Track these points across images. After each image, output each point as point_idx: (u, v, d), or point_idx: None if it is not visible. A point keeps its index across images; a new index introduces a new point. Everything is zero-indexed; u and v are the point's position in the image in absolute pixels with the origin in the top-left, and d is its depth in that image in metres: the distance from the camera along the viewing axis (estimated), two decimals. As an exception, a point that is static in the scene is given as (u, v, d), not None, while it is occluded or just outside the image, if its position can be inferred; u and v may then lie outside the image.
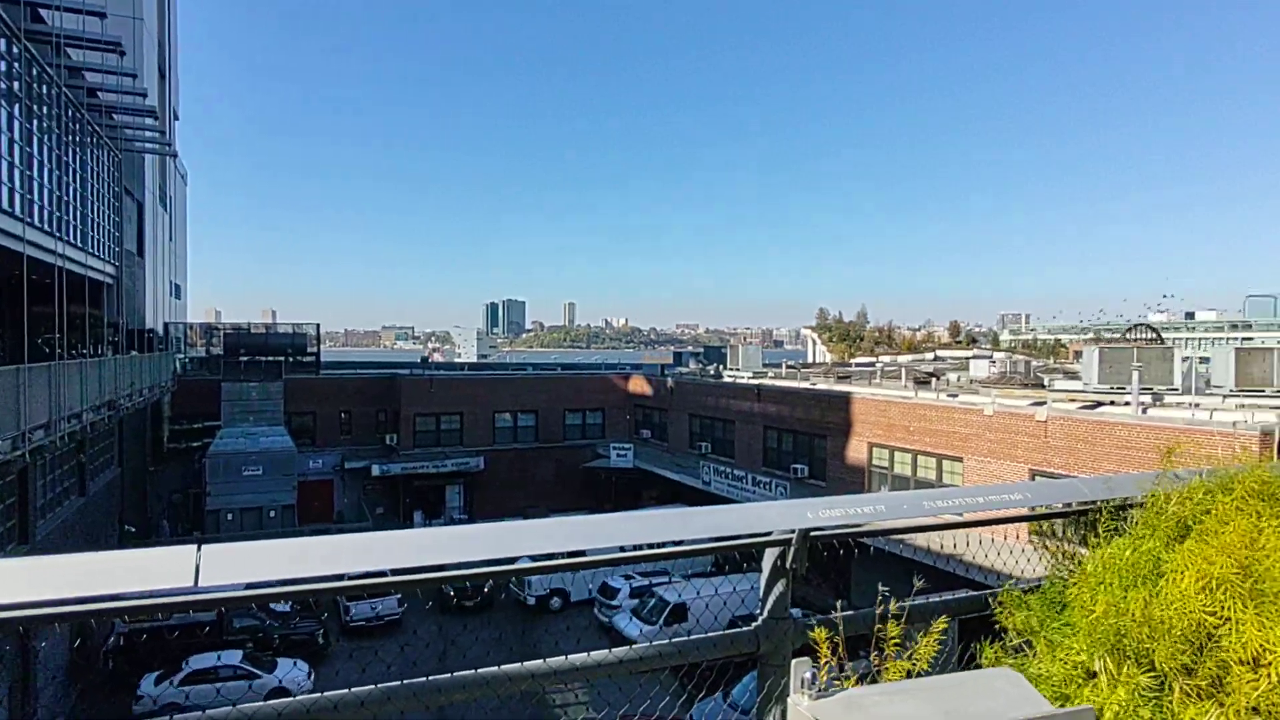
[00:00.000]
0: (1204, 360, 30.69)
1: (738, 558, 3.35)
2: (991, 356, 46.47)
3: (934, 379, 35.06)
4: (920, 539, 20.54)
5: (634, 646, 2.77)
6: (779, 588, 3.23)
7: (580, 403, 43.27)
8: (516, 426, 41.83)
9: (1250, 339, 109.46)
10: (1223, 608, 3.01)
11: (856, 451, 27.34)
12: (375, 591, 2.92)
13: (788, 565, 3.22)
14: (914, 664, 2.77)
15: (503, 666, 2.53)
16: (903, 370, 39.22)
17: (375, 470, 37.58)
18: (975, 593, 3.59)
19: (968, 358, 47.09)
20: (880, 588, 3.24)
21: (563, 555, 2.92)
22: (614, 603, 26.85)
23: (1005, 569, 4.20)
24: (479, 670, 2.54)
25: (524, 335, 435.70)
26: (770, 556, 3.22)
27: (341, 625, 26.89)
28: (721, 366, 44.64)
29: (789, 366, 44.66)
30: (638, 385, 43.23)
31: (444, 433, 40.30)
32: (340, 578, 2.31)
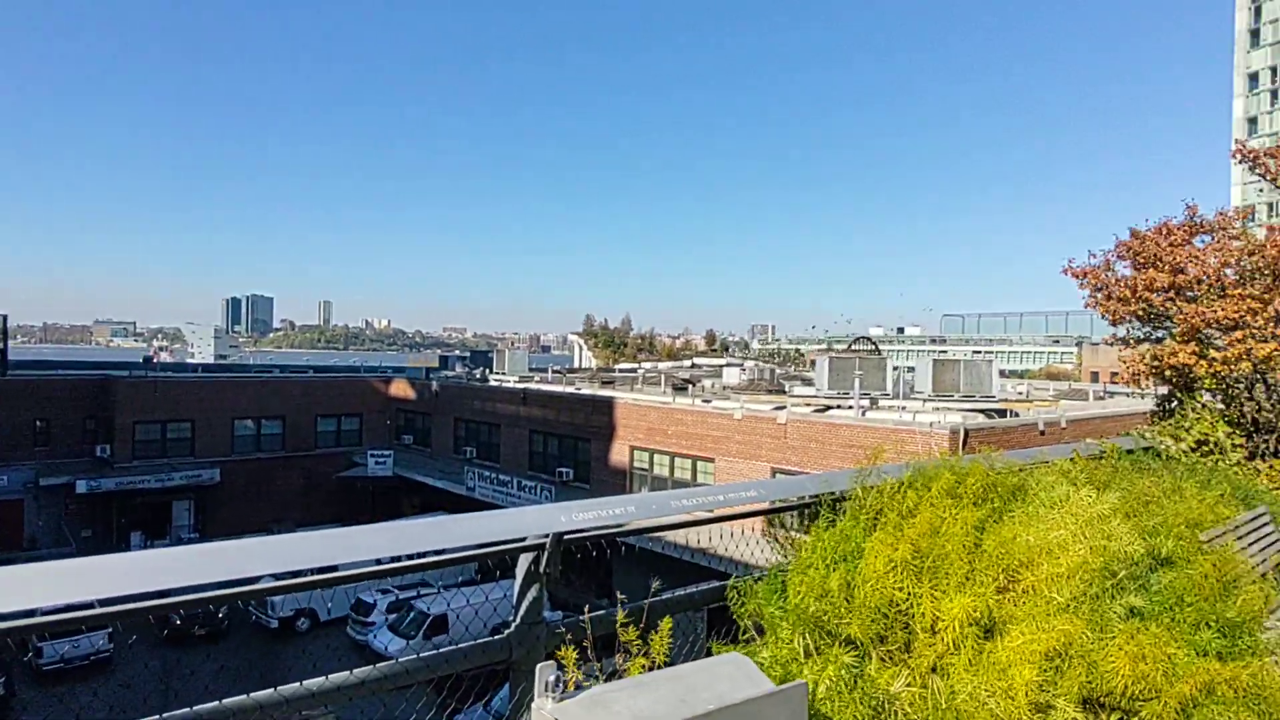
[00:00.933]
0: (910, 369, 35.25)
1: (507, 562, 3.33)
2: (742, 364, 50.35)
3: (691, 385, 37.25)
4: (676, 536, 21.68)
5: (378, 665, 2.66)
6: (533, 592, 3.26)
7: (335, 408, 40.56)
8: (260, 434, 38.26)
9: (945, 352, 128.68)
10: (910, 585, 3.51)
11: (619, 454, 28.31)
12: (69, 629, 2.51)
13: (542, 569, 3.26)
14: (651, 660, 2.92)
15: (224, 701, 2.30)
16: (663, 376, 41.24)
17: (81, 487, 32.46)
18: (715, 584, 3.85)
19: (721, 365, 50.60)
20: (619, 594, 3.40)
21: (311, 572, 2.73)
22: (369, 619, 25.46)
23: (751, 560, 4.55)
24: (196, 708, 2.29)
25: (271, 335, 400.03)
26: (524, 562, 3.24)
27: (32, 669, 22.66)
28: (488, 371, 44.08)
29: (555, 371, 45.25)
30: (400, 389, 41.44)
31: (171, 442, 35.86)
32: (31, 613, 1.98)
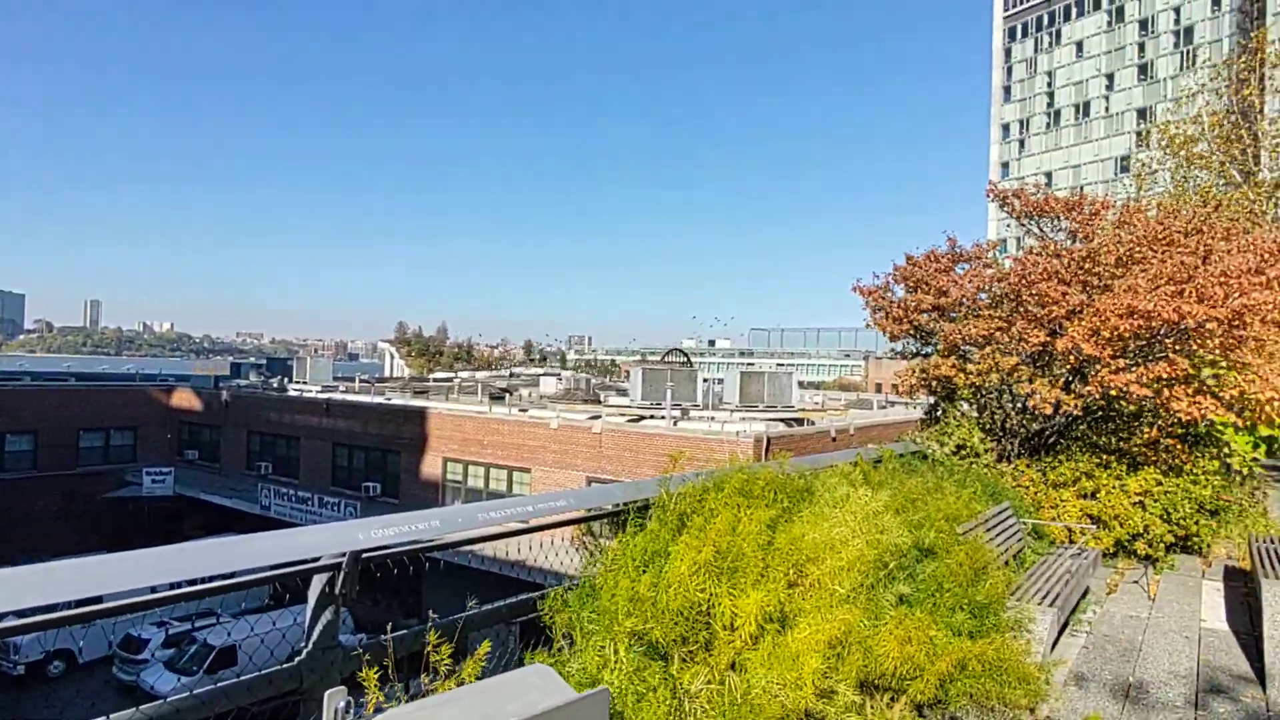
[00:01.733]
0: (720, 381, 36.97)
1: (299, 584, 3.11)
2: (559, 374, 50.51)
3: (508, 394, 36.83)
4: (488, 548, 21.28)
5: (142, 707, 2.40)
6: (327, 615, 3.08)
7: (103, 421, 35.97)
8: (3, 451, 33.19)
9: (752, 364, 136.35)
10: (711, 586, 3.67)
11: (432, 466, 27.37)
12: None
13: (338, 590, 3.09)
14: (460, 679, 2.86)
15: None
16: (480, 386, 40.46)
17: None
18: (525, 597, 3.83)
19: (539, 375, 50.46)
20: (430, 612, 3.29)
21: (68, 605, 2.41)
22: (140, 656, 22.71)
23: (565, 570, 4.55)
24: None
25: (22, 337, 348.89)
26: (318, 583, 3.05)
27: None
28: (287, 380, 41.07)
29: (364, 380, 42.96)
30: (184, 399, 37.55)
31: (-118, 462, 30.27)
32: None
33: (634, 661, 3.01)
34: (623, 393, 35.30)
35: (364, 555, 3.06)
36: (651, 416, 26.23)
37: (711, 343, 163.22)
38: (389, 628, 3.07)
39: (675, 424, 24.37)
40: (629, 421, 25.10)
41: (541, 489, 24.41)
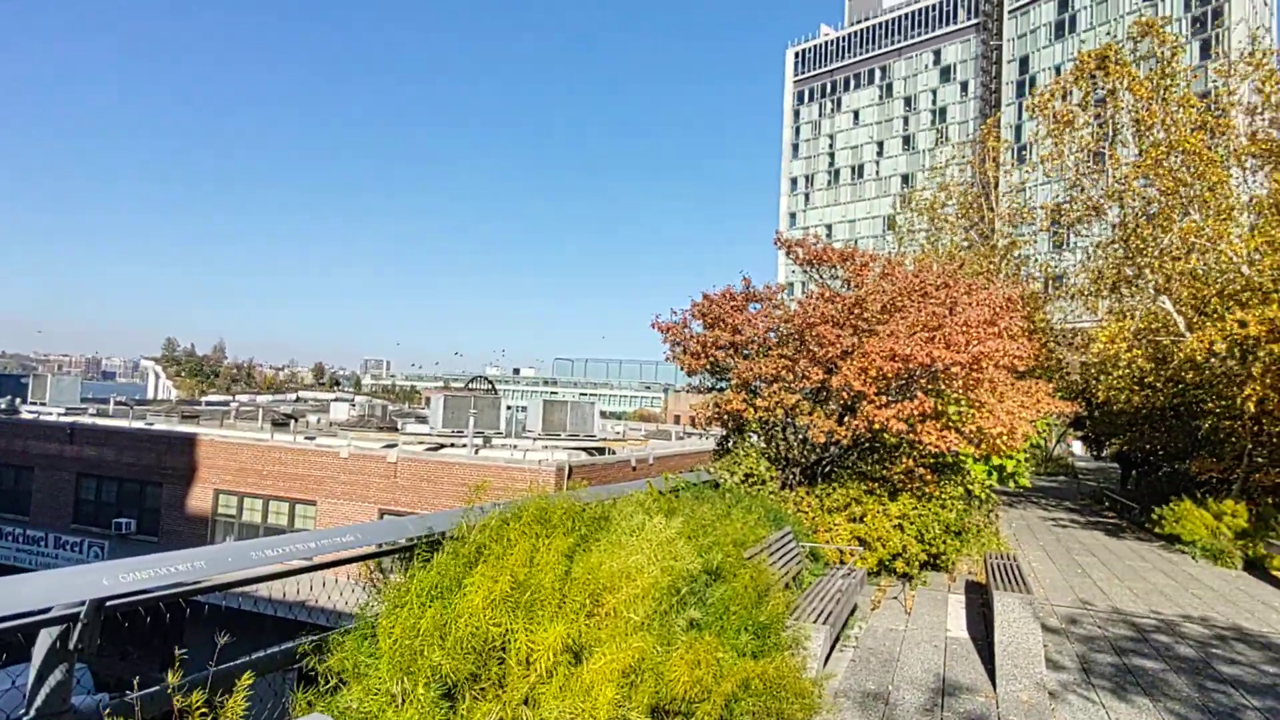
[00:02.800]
0: (524, 409, 36.71)
1: (22, 641, 2.66)
2: (353, 400, 47.75)
3: (294, 420, 34.22)
4: (264, 589, 19.50)
5: None
6: (58, 675, 2.67)
7: None
8: None
9: (556, 394, 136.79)
10: (507, 620, 3.60)
11: (200, 500, 24.69)
12: None
13: (73, 645, 2.69)
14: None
15: None
16: (261, 411, 37.27)
17: None
18: (301, 640, 3.55)
19: (330, 400, 47.42)
20: (210, 664, 2.95)
21: None
22: None
23: (350, 609, 4.27)
24: None
25: None
26: (47, 638, 2.64)
27: None
28: (20, 400, 35.46)
29: (120, 403, 38.12)
30: (-125, 422, 31.20)
31: None
32: None
33: (419, 702, 2.87)
34: (422, 420, 34.03)
35: (109, 603, 2.69)
36: (453, 445, 25.48)
37: (516, 371, 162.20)
38: (136, 684, 2.72)
39: (477, 452, 23.83)
40: (428, 450, 24.19)
41: (328, 523, 22.80)
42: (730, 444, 10.65)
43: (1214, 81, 18.05)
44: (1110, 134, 17.47)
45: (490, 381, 65.15)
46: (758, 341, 10.15)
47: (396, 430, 31.56)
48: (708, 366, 10.36)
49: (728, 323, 9.97)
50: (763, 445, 10.50)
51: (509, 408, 31.60)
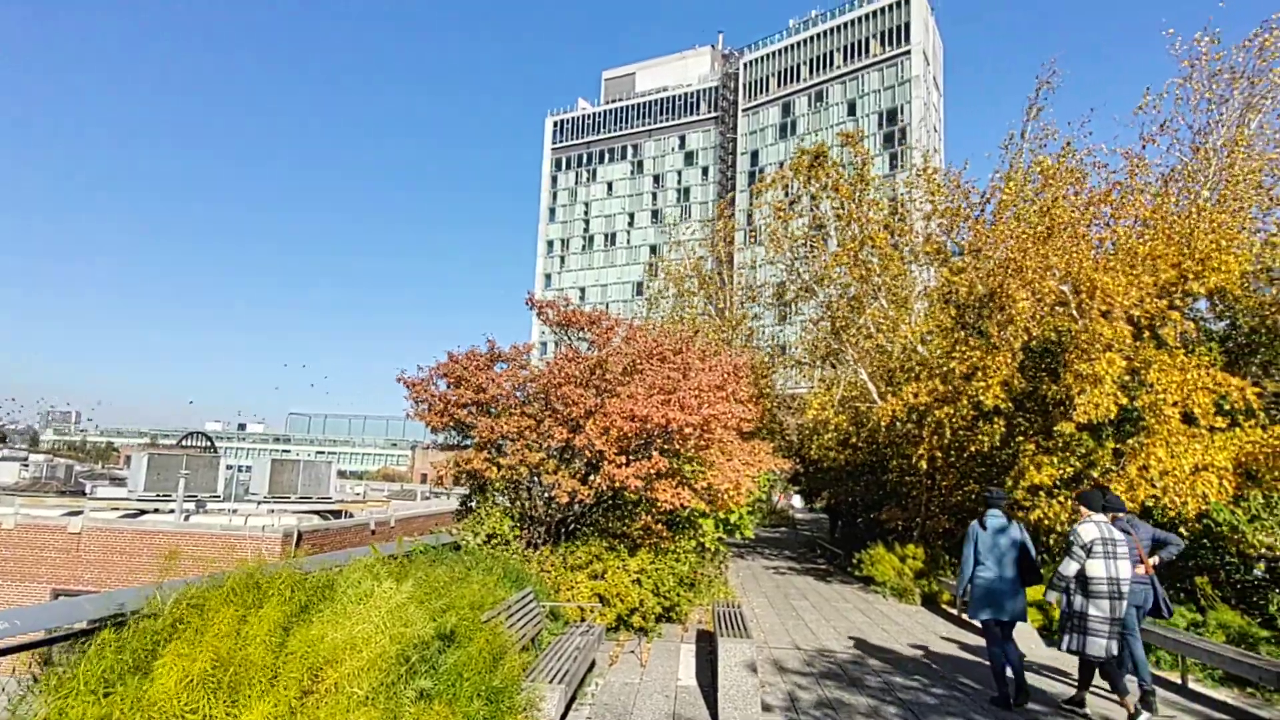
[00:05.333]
0: (248, 469, 33.34)
1: None
2: (26, 458, 40.22)
3: (-61, 485, 28.07)
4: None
5: None
6: None
7: None
8: None
9: (289, 451, 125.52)
10: (205, 704, 3.24)
11: None
12: None
13: None
14: None
15: None
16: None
17: None
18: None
19: (-5, 459, 39.56)
20: None
21: None
22: None
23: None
24: None
25: None
26: None
27: None
28: None
29: None
30: None
31: None
32: None
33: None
34: (120, 482, 29.50)
35: None
36: (156, 510, 22.33)
37: (242, 426, 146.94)
38: None
39: (187, 518, 21.07)
40: (123, 516, 20.97)
41: (-19, 609, 18.75)
42: (474, 504, 10.49)
43: (901, 190, 21.62)
44: (820, 225, 20.15)
45: (209, 437, 58.27)
46: (503, 400, 10.20)
47: (84, 495, 27.05)
48: (452, 424, 10.19)
49: (471, 381, 9.92)
50: (507, 504, 10.46)
51: (230, 467, 28.46)
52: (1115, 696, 7.01)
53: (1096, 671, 7.29)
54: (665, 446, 9.96)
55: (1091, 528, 6.78)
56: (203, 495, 24.23)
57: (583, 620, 8.74)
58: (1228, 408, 10.48)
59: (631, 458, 9.80)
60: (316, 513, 24.34)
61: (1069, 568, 6.73)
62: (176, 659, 3.04)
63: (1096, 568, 6.64)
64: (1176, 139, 15.27)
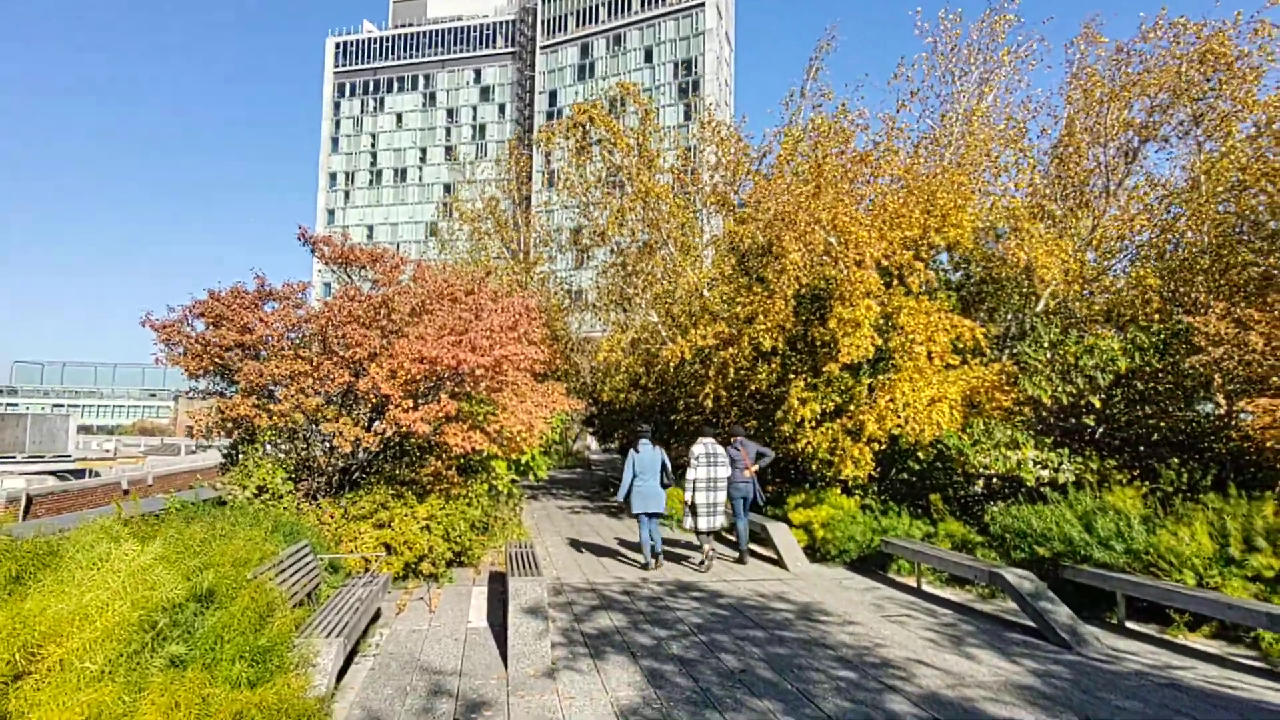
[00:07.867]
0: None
1: None
2: None
3: None
4: None
5: None
6: None
7: None
8: None
9: (15, 404, 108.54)
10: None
11: None
12: None
13: None
14: None
15: None
16: None
17: None
18: None
19: None
20: None
21: None
22: None
23: None
24: None
25: None
26: None
27: None
28: None
29: None
30: None
31: None
32: None
33: None
34: None
35: None
36: None
37: None
38: None
39: (-127, 488, 17.62)
40: None
41: None
42: (241, 455, 9.62)
43: (692, 142, 22.18)
44: (615, 171, 20.27)
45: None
46: (274, 342, 9.37)
47: None
48: (213, 368, 9.21)
49: (235, 321, 9.00)
50: (281, 455, 9.71)
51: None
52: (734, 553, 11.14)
53: (712, 537, 10.63)
54: (456, 389, 9.69)
55: (699, 446, 10.12)
56: (-105, 458, 20.36)
57: (366, 571, 8.40)
58: (960, 347, 12.01)
59: (420, 401, 9.44)
60: (53, 473, 21.34)
61: (688, 474, 9.99)
62: None
63: (701, 471, 9.96)
64: (928, 108, 16.98)
